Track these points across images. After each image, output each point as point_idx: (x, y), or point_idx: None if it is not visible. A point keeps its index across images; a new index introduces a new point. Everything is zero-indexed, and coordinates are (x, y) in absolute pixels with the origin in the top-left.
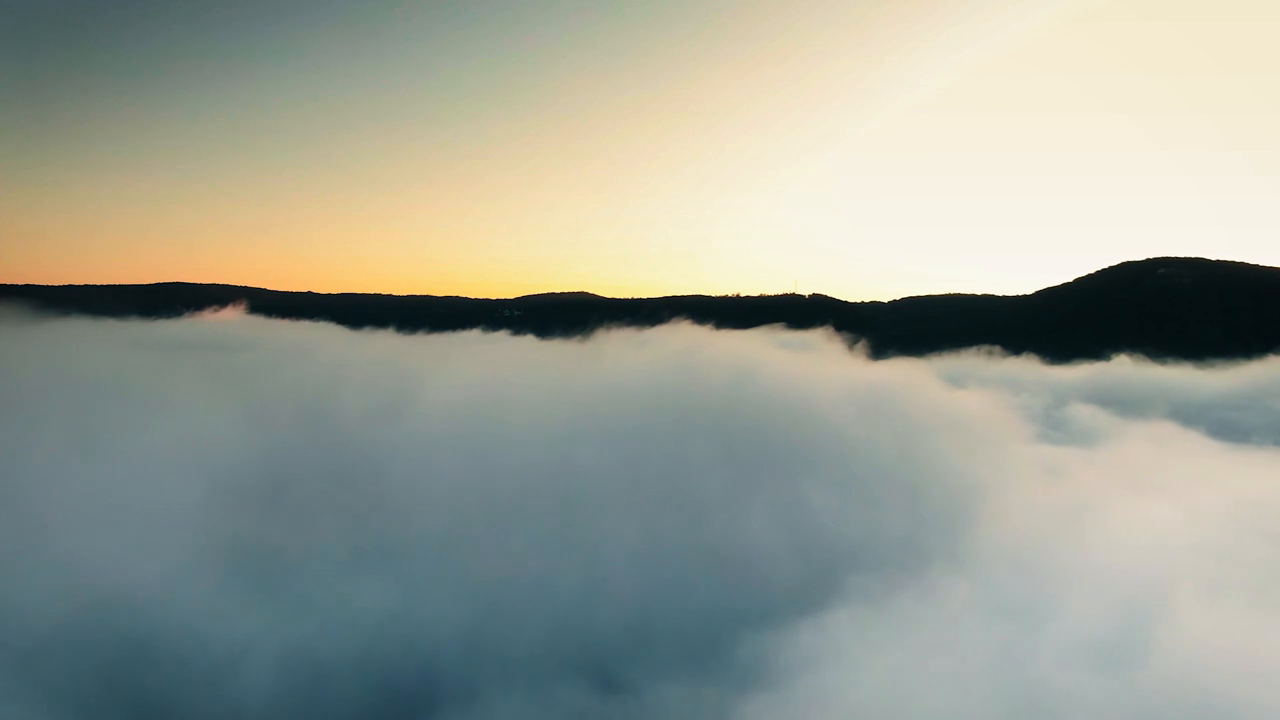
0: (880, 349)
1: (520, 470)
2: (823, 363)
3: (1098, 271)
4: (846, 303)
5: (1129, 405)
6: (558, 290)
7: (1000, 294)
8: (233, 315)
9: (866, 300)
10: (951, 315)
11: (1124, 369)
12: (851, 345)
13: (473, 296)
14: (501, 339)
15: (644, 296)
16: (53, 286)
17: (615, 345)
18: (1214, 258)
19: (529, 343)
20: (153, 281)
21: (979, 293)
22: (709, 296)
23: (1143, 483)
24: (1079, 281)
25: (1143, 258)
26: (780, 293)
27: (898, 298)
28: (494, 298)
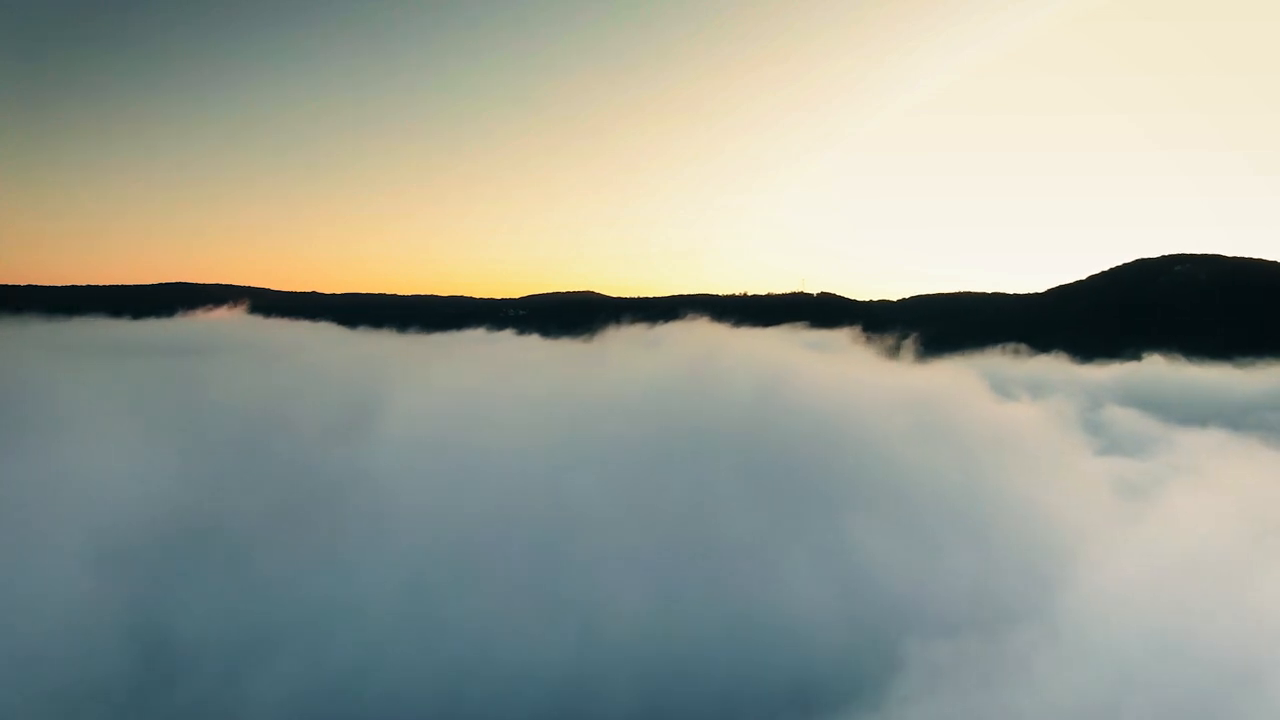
0: (903, 349)
1: (502, 504)
2: (855, 367)
3: (1112, 269)
4: (857, 301)
5: (1167, 407)
6: (563, 289)
7: (1010, 292)
8: (228, 315)
9: (876, 299)
10: (967, 313)
11: (1157, 368)
12: (878, 346)
13: (477, 296)
14: (506, 338)
15: (650, 295)
16: (55, 288)
17: (623, 344)
18: (1229, 254)
19: (531, 342)
20: (156, 282)
21: (986, 291)
22: (717, 295)
23: (1256, 511)
24: (1092, 279)
25: (1157, 255)
26: (788, 291)
27: (906, 296)
28: (499, 297)
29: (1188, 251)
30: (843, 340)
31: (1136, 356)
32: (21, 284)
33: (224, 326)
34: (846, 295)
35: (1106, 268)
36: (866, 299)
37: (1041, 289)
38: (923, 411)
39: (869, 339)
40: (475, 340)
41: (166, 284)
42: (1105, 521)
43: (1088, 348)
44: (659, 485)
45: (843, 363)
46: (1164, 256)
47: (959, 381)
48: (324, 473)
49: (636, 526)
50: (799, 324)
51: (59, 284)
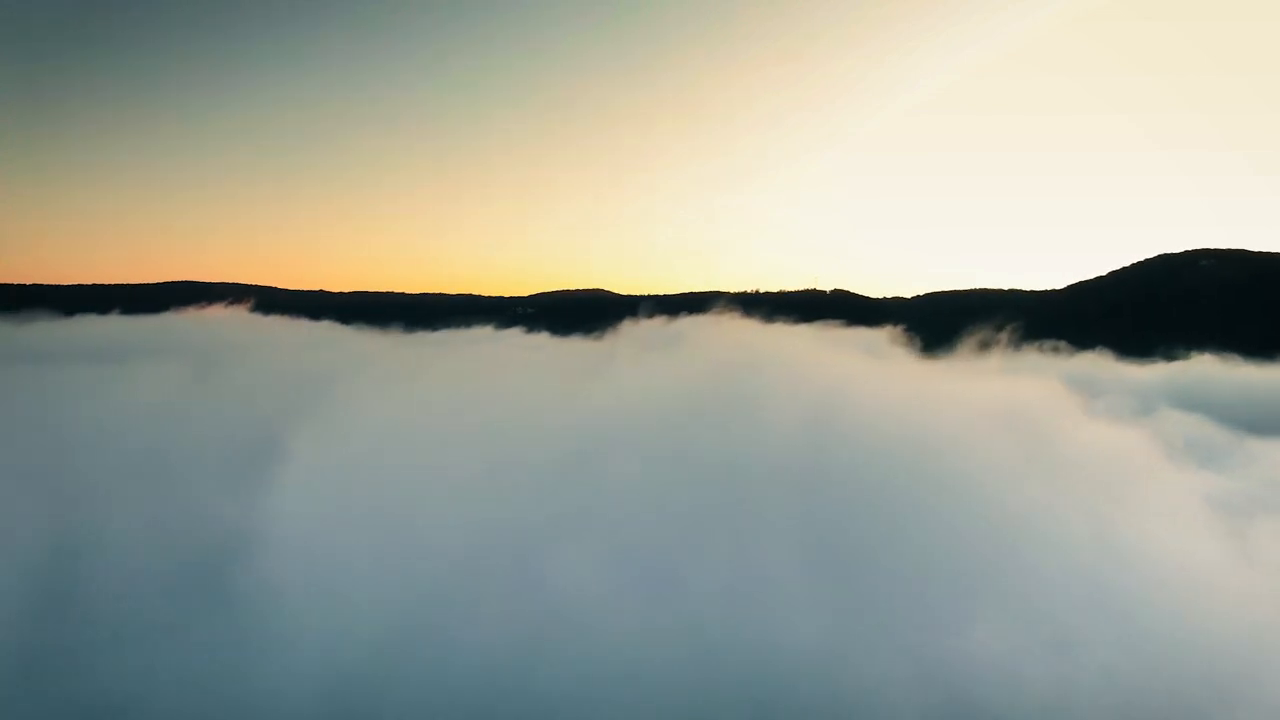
0: (931, 347)
1: (455, 590)
2: (919, 376)
3: (1135, 264)
4: (870, 298)
5: (1225, 411)
6: (572, 287)
7: (1025, 289)
8: (223, 313)
9: (889, 296)
10: (991, 310)
11: (1205, 367)
12: (918, 346)
13: (486, 294)
14: (512, 336)
15: (660, 293)
16: (60, 286)
17: (637, 343)
18: (1255, 249)
19: (536, 341)
20: (159, 280)
21: (1001, 288)
22: (729, 293)
23: None
24: (1114, 275)
25: (1179, 249)
26: (801, 289)
27: (920, 293)
28: (508, 295)
29: (1210, 247)
30: (881, 340)
31: (1172, 354)
32: (28, 283)
33: (207, 325)
34: (858, 292)
35: (1126, 264)
36: (879, 296)
37: (1058, 285)
38: (1019, 437)
39: (909, 339)
40: (479, 339)
41: (171, 283)
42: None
43: (1124, 345)
44: (681, 561)
45: (901, 370)
46: (1187, 251)
47: (1046, 394)
48: (209, 536)
49: (649, 626)
50: (833, 321)
51: (63, 283)
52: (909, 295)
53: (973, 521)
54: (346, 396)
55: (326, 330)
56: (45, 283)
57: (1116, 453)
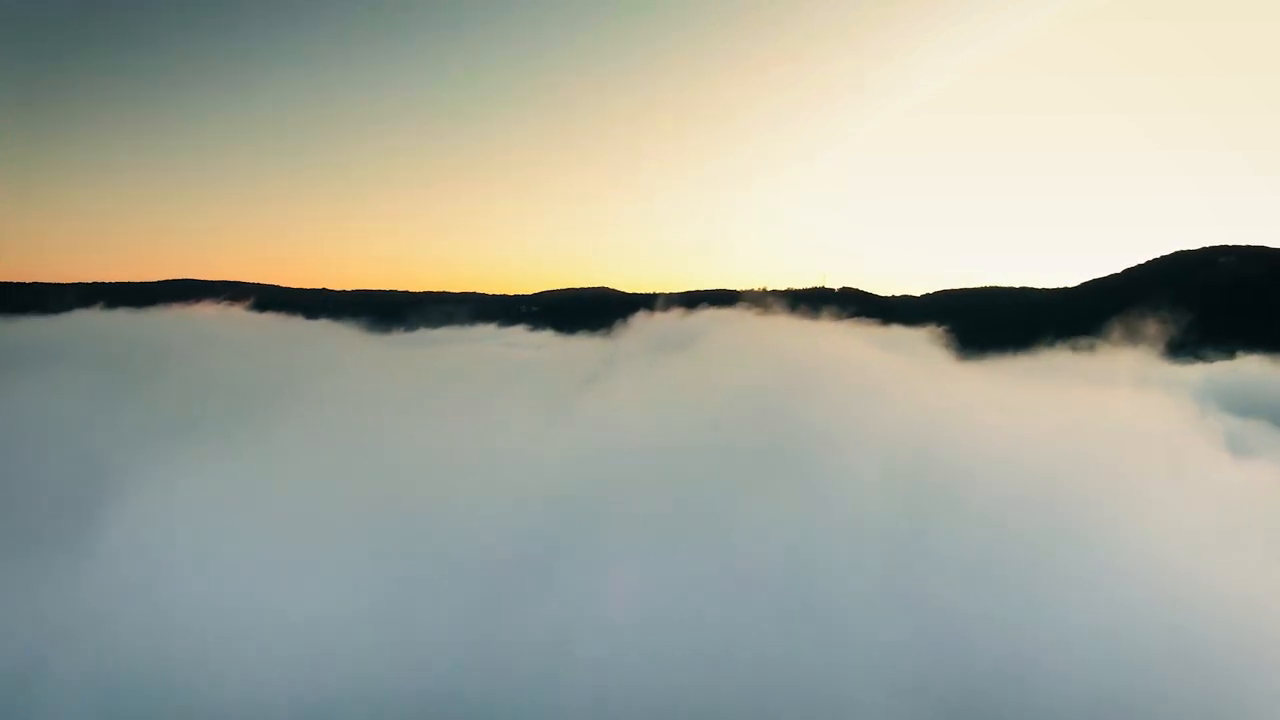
0: (964, 347)
1: None
2: (1007, 389)
3: (1149, 262)
4: (881, 296)
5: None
6: (576, 285)
7: (1037, 286)
8: (214, 310)
9: (897, 294)
10: (1008, 308)
11: (1252, 366)
12: (960, 351)
13: (491, 293)
14: (516, 334)
15: (665, 291)
16: (61, 285)
17: (648, 342)
18: (1274, 245)
19: (539, 339)
20: (163, 279)
21: (1014, 285)
22: (737, 290)
23: None
24: (1130, 272)
25: (1198, 246)
26: (809, 286)
27: (930, 291)
28: (512, 293)
29: (1228, 243)
30: (921, 340)
31: (1201, 352)
32: (28, 281)
33: (192, 323)
34: (867, 290)
35: (1139, 261)
36: (888, 293)
37: (1070, 284)
38: (1167, 474)
39: (949, 339)
40: (482, 337)
41: (172, 280)
42: None
43: (1160, 344)
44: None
45: (971, 377)
46: (1205, 248)
47: (1178, 414)
48: None
49: None
50: (868, 320)
51: (66, 281)
52: (918, 294)
53: (1151, 620)
54: (255, 419)
55: (317, 329)
56: (45, 281)
57: (1259, 490)
